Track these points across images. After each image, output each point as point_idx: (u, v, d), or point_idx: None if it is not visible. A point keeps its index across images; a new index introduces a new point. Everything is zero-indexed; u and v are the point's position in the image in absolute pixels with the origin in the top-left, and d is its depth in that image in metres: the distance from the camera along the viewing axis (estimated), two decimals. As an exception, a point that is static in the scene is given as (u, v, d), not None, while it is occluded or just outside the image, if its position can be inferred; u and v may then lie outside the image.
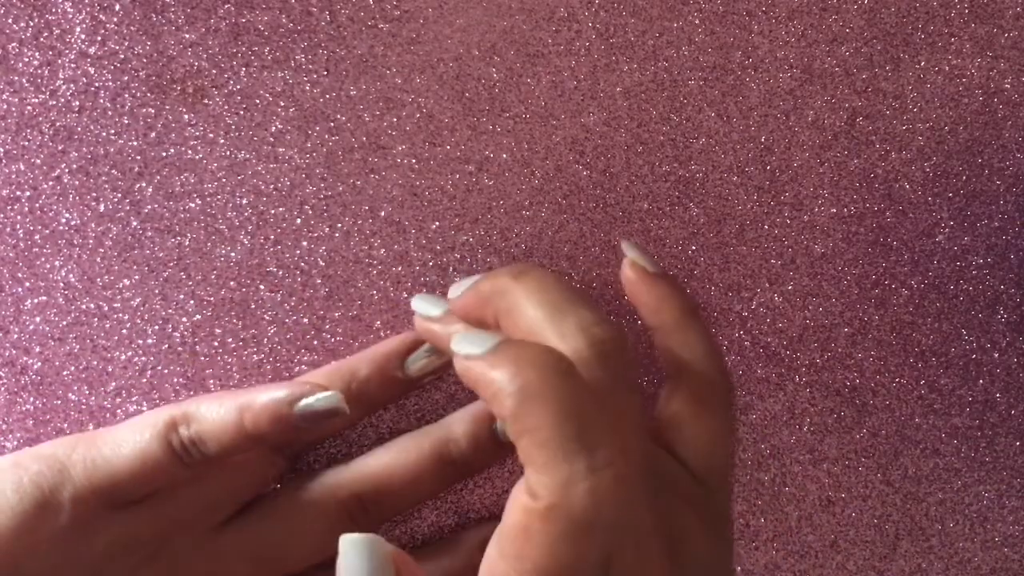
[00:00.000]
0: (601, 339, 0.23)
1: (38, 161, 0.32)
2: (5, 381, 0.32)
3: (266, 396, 0.27)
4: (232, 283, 0.33)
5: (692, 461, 0.27)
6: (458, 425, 0.31)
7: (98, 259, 0.32)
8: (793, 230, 0.35)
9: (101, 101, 0.33)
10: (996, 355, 0.36)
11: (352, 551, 0.22)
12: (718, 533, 0.26)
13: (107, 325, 0.32)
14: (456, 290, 0.27)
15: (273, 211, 0.33)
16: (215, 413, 0.27)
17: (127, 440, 0.27)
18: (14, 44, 0.32)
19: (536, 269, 0.26)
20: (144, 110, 0.33)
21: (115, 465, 0.26)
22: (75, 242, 0.32)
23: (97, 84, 0.33)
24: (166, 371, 0.32)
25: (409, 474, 0.30)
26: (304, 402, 0.27)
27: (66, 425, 0.32)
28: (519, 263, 0.25)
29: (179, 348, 0.32)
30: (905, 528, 0.35)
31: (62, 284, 0.32)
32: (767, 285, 0.35)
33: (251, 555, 0.29)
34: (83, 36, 0.33)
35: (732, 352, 0.35)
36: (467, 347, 0.23)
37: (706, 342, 0.28)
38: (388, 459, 0.30)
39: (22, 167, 0.32)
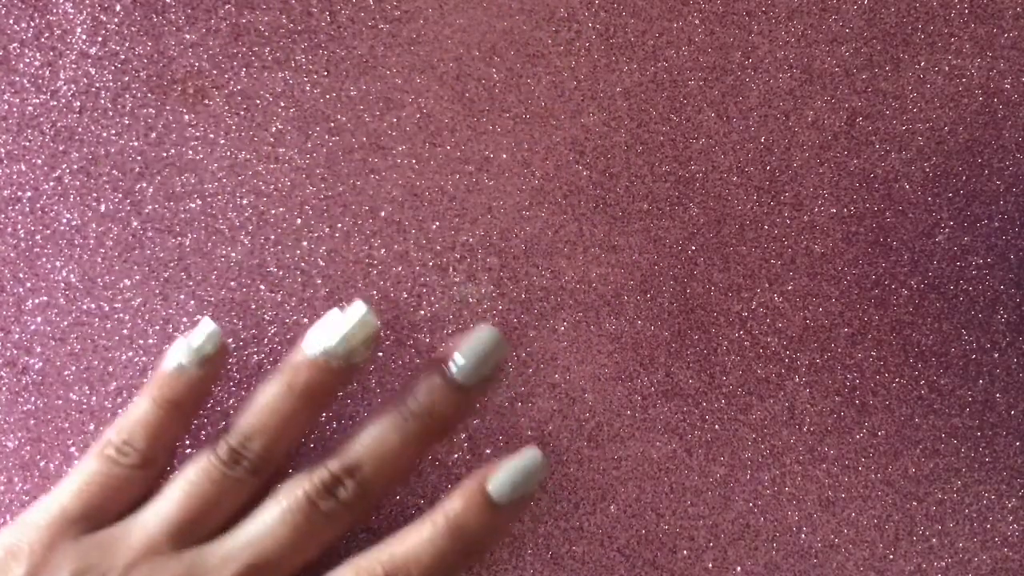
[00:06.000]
0: None
1: (39, 161, 0.32)
2: (6, 381, 0.32)
3: (163, 365, 0.30)
4: (232, 283, 0.33)
5: None
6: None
7: (99, 259, 0.32)
8: (793, 230, 0.35)
9: (102, 102, 0.33)
10: (996, 355, 0.36)
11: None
12: None
13: (108, 325, 0.32)
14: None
15: (273, 211, 0.33)
16: (133, 409, 0.30)
17: (71, 473, 0.30)
18: (15, 45, 0.32)
19: None
20: (145, 111, 0.33)
21: (62, 494, 0.29)
22: (76, 242, 0.32)
23: (98, 84, 0.33)
24: (167, 371, 0.32)
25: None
26: (192, 348, 0.30)
27: (67, 425, 0.32)
28: None
29: (180, 348, 0.33)
30: (905, 528, 0.35)
31: (63, 284, 0.32)
32: (767, 285, 0.35)
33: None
34: (84, 36, 0.33)
35: (732, 352, 0.35)
36: None
37: None
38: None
39: (23, 167, 0.32)
